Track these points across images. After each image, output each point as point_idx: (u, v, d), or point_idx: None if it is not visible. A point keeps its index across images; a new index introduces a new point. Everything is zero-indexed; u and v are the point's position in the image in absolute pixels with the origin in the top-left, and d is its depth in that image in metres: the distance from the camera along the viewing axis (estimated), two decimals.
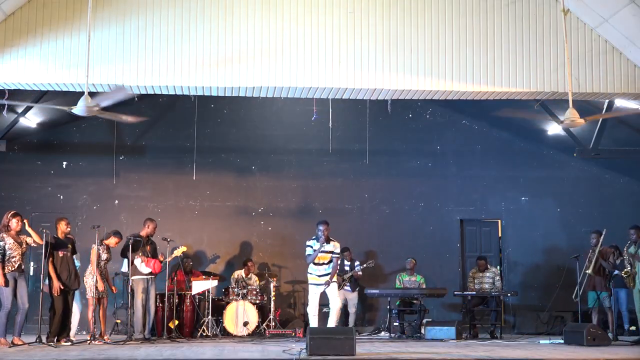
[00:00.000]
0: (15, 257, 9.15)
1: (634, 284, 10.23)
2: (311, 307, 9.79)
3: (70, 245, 9.70)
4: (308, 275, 9.93)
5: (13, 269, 9.12)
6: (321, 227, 9.73)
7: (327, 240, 9.73)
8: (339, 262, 10.12)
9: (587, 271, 10.86)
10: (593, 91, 9.82)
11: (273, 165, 13.54)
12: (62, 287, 9.45)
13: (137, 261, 10.15)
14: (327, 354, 7.56)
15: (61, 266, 9.52)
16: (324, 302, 12.84)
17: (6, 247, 9.09)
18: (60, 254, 9.54)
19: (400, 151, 13.72)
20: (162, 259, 10.53)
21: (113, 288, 10.30)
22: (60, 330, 9.57)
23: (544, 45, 9.80)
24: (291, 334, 11.39)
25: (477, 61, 9.73)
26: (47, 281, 9.55)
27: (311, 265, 9.84)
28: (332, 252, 9.79)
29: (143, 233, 10.45)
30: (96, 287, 9.86)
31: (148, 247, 10.39)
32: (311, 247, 9.80)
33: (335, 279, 9.94)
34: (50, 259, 9.45)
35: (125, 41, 9.46)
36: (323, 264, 9.81)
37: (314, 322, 9.71)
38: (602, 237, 10.94)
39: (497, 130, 13.77)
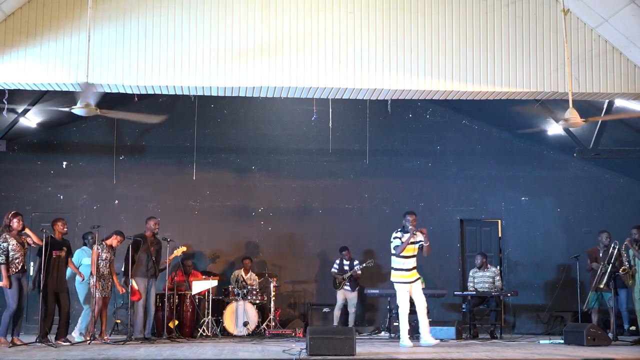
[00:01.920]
0: (18, 258, 9.14)
1: (632, 282, 10.23)
2: (403, 307, 9.30)
3: (65, 248, 9.69)
4: (393, 272, 9.48)
5: (17, 270, 9.12)
6: (409, 218, 9.42)
7: (415, 232, 9.39)
8: (428, 248, 9.55)
9: (600, 286, 10.78)
10: (593, 91, 9.82)
11: (273, 165, 13.54)
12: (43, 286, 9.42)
13: (134, 282, 10.20)
14: (327, 354, 7.56)
15: (52, 267, 9.50)
16: (325, 302, 12.89)
17: (9, 248, 9.08)
18: (54, 254, 9.53)
19: (400, 151, 13.72)
20: (165, 264, 10.53)
21: (120, 288, 10.26)
22: (58, 331, 9.58)
23: (544, 45, 9.80)
24: (291, 334, 11.38)
25: (477, 61, 9.72)
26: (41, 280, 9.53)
27: (396, 260, 9.41)
28: (421, 242, 9.45)
29: (148, 233, 10.44)
30: (95, 287, 9.86)
31: (152, 248, 10.36)
32: (399, 238, 9.43)
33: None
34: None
35: (125, 41, 9.46)
36: (411, 256, 9.42)
37: (404, 322, 9.24)
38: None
39: (497, 130, 13.77)
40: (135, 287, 10.16)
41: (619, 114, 10.74)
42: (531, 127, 11.75)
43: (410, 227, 9.39)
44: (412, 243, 9.45)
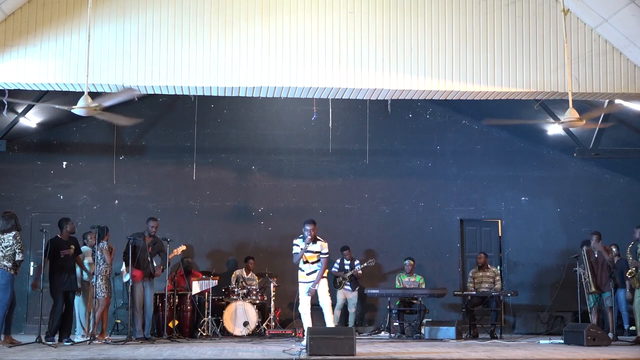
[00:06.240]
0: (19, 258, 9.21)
1: (639, 284, 10.20)
2: (302, 305, 9.45)
3: (73, 246, 9.71)
4: (298, 272, 9.53)
5: (17, 272, 9.18)
6: (307, 227, 9.33)
7: (314, 240, 9.36)
8: (327, 263, 9.57)
9: (592, 289, 10.84)
10: (593, 91, 9.82)
11: (273, 165, 13.54)
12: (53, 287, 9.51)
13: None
14: (327, 354, 7.56)
15: (61, 267, 9.53)
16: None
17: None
18: (61, 254, 9.56)
19: (400, 151, 13.72)
20: (159, 272, 10.49)
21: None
22: (61, 330, 9.59)
23: (544, 45, 9.80)
24: (291, 334, 11.38)
25: (477, 61, 9.73)
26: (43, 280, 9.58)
27: (300, 263, 9.52)
28: (319, 252, 9.40)
29: (145, 234, 10.45)
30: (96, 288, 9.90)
31: (149, 248, 10.35)
32: (298, 245, 9.44)
33: (323, 278, 9.49)
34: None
35: (126, 41, 9.46)
36: (311, 262, 9.42)
37: (306, 320, 9.39)
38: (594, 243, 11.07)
39: (497, 130, 13.77)
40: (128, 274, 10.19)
41: (615, 106, 10.63)
42: (530, 126, 11.75)
43: (307, 236, 9.34)
44: (310, 252, 9.37)
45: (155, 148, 13.36)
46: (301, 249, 9.39)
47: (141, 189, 13.21)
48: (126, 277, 10.11)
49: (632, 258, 10.25)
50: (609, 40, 9.76)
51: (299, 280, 9.53)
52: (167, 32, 9.53)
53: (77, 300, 10.24)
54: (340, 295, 12.39)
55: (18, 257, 9.02)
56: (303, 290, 9.48)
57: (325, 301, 9.43)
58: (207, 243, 13.19)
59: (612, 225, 12.60)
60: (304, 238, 9.42)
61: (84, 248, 10.32)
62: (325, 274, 9.56)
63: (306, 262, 9.46)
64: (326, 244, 9.51)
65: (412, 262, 12.26)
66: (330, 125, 12.95)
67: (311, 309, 9.35)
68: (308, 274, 9.46)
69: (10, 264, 9.01)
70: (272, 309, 11.82)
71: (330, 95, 10.09)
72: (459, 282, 13.27)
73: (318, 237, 9.46)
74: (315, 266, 9.45)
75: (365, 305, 13.14)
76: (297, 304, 9.57)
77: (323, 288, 9.45)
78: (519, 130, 13.41)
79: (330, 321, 9.41)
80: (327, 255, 9.54)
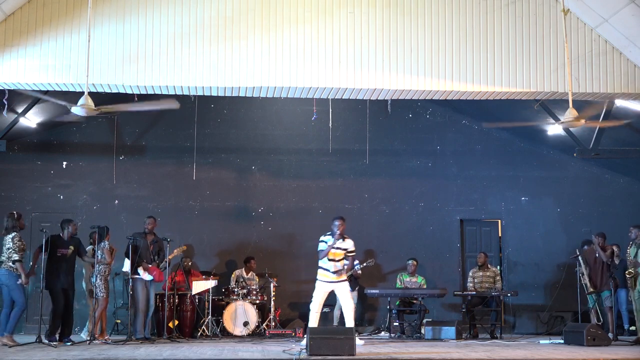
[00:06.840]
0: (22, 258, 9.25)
1: (635, 284, 10.20)
2: (315, 304, 9.47)
3: (72, 247, 9.70)
4: (318, 270, 9.54)
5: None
6: (336, 223, 9.43)
7: (342, 237, 9.45)
8: (354, 261, 9.66)
9: (590, 290, 10.87)
10: (593, 91, 9.82)
11: (273, 165, 13.54)
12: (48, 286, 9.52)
13: (139, 270, 10.14)
14: (327, 354, 7.56)
15: (58, 265, 9.53)
16: (325, 302, 12.88)
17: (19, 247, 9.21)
18: (58, 253, 9.57)
19: (400, 151, 13.72)
20: (166, 262, 10.49)
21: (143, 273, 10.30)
22: (61, 329, 9.59)
23: (544, 45, 9.80)
24: (291, 334, 11.38)
25: (477, 61, 9.72)
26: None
27: (324, 261, 9.49)
28: (346, 250, 9.47)
29: (145, 232, 10.46)
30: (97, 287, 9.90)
31: (151, 247, 10.35)
32: (325, 242, 9.45)
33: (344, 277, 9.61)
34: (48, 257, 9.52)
35: (126, 41, 9.46)
36: (337, 260, 9.46)
37: (314, 319, 9.43)
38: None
39: (497, 130, 13.77)
40: (146, 269, 10.14)
41: (618, 120, 10.67)
42: (531, 126, 11.73)
43: (336, 232, 9.40)
44: (338, 249, 9.44)
45: (155, 148, 13.36)
46: (328, 245, 9.39)
47: (141, 189, 13.21)
48: (148, 277, 10.12)
49: (631, 257, 10.25)
50: (609, 40, 9.76)
51: (320, 279, 9.53)
52: (167, 32, 9.53)
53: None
54: None
55: (14, 258, 9.08)
56: (320, 289, 9.49)
57: (348, 303, 9.48)
58: (207, 243, 13.19)
59: (612, 225, 12.59)
60: (332, 234, 9.46)
61: (88, 248, 10.33)
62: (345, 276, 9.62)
63: (332, 259, 9.46)
64: (352, 242, 9.56)
65: (415, 263, 12.25)
66: (330, 125, 12.95)
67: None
68: (334, 272, 9.47)
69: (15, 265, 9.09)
70: (272, 309, 11.82)
71: (330, 95, 10.09)
72: (459, 282, 13.27)
73: (345, 235, 9.50)
74: (339, 265, 9.49)
75: (365, 305, 13.14)
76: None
77: (346, 290, 9.52)
78: (519, 130, 13.41)
79: (351, 323, 9.38)
80: (354, 253, 9.61)
